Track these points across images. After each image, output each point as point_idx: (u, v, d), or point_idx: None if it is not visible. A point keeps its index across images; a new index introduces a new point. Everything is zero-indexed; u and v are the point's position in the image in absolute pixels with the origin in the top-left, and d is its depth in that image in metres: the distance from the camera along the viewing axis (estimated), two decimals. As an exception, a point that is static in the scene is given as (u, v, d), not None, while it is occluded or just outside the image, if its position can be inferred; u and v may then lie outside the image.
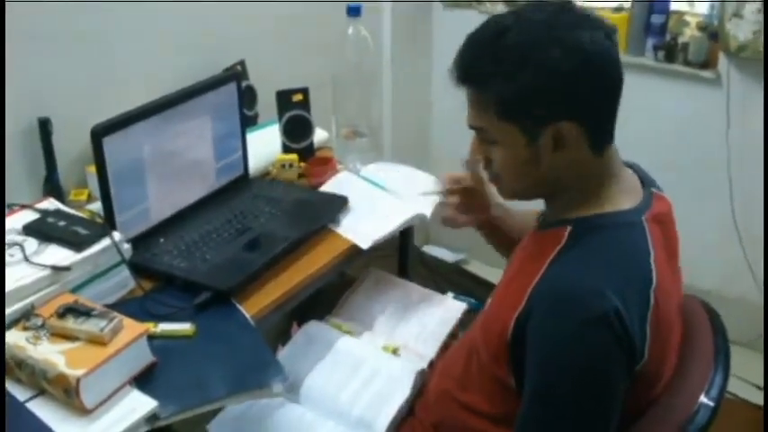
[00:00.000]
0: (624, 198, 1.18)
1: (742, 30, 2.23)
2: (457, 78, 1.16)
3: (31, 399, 1.16)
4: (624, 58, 1.16)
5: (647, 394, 1.16)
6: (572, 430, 1.10)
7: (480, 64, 1.13)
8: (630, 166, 1.27)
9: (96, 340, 1.18)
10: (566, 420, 1.09)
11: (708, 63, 2.40)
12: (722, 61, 2.36)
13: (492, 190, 1.41)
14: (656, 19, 2.43)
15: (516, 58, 1.09)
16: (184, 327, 1.34)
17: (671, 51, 2.43)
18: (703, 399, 1.15)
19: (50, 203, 1.51)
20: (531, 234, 1.31)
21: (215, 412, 1.44)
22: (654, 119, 2.48)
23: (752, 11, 2.20)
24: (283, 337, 1.67)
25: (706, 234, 2.46)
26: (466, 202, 1.55)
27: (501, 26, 1.12)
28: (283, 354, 1.59)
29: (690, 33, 2.42)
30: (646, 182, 1.25)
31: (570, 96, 1.11)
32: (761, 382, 2.35)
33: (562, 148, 1.13)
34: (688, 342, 1.25)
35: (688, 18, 2.43)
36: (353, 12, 1.87)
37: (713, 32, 2.35)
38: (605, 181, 1.18)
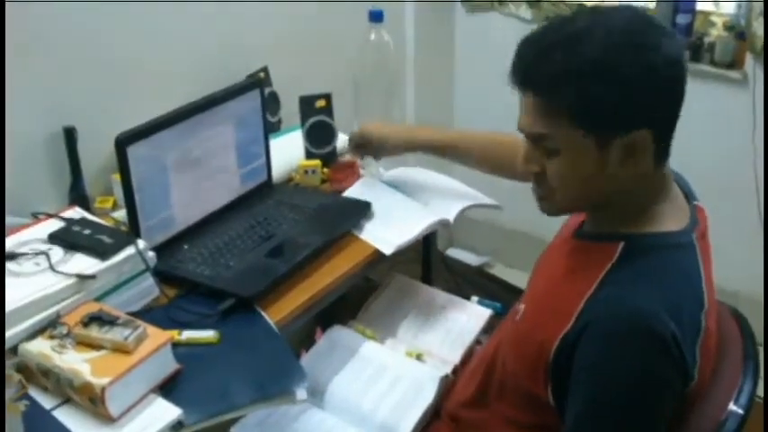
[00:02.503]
0: (675, 217, 1.16)
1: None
2: (519, 82, 1.10)
3: (57, 407, 1.17)
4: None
5: (686, 412, 1.14)
6: None
7: (553, 69, 1.06)
8: (674, 174, 1.23)
9: (121, 349, 1.18)
10: None
11: (734, 63, 2.37)
12: (749, 62, 2.33)
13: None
14: (682, 19, 2.40)
15: (595, 67, 1.04)
16: (208, 334, 1.34)
17: (697, 51, 2.40)
18: (732, 406, 1.14)
19: (75, 212, 1.52)
20: (568, 241, 1.27)
21: (237, 416, 1.44)
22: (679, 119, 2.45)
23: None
24: (307, 341, 1.67)
25: (732, 235, 2.41)
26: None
27: (576, 30, 1.06)
28: (307, 359, 1.59)
29: (716, 33, 2.39)
30: (689, 195, 1.23)
31: (647, 106, 1.07)
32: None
33: (631, 158, 1.09)
34: (718, 349, 1.23)
35: (714, 18, 2.40)
36: (376, 17, 1.86)
37: (740, 32, 2.32)
38: (659, 198, 1.15)
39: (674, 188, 1.19)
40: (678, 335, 1.03)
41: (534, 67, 1.08)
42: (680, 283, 1.10)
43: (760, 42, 2.22)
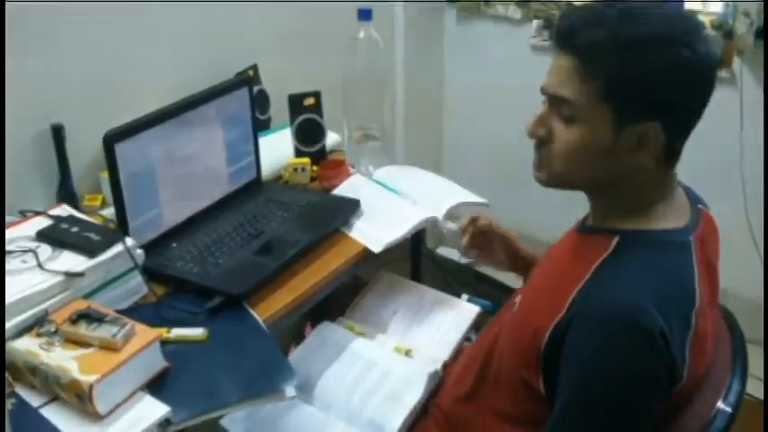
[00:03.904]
0: (674, 216, 1.17)
1: (745, 27, 2.21)
2: (563, 42, 1.10)
3: (44, 405, 1.17)
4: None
5: (676, 411, 1.14)
6: None
7: (600, 37, 1.06)
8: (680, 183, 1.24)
9: (109, 346, 1.18)
10: None
11: (722, 62, 2.38)
12: (737, 61, 2.34)
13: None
14: (670, 18, 2.41)
15: (642, 45, 1.05)
16: (197, 332, 1.34)
17: (684, 51, 2.41)
18: (721, 404, 1.14)
19: (63, 210, 1.51)
20: (570, 236, 1.28)
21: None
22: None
23: (757, 9, 2.19)
24: (297, 337, 1.67)
25: (720, 234, 2.44)
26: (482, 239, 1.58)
27: (629, 8, 1.08)
28: (296, 354, 1.59)
29: (704, 32, 2.40)
30: (693, 199, 1.23)
31: (676, 98, 1.08)
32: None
33: (641, 150, 1.10)
34: (715, 353, 1.23)
35: (702, 17, 2.41)
36: (365, 15, 1.86)
37: (728, 31, 2.33)
38: (660, 197, 1.16)
39: (678, 191, 1.21)
40: (666, 330, 1.04)
41: (583, 30, 1.08)
42: (671, 280, 1.10)
43: (739, 41, 2.23)
